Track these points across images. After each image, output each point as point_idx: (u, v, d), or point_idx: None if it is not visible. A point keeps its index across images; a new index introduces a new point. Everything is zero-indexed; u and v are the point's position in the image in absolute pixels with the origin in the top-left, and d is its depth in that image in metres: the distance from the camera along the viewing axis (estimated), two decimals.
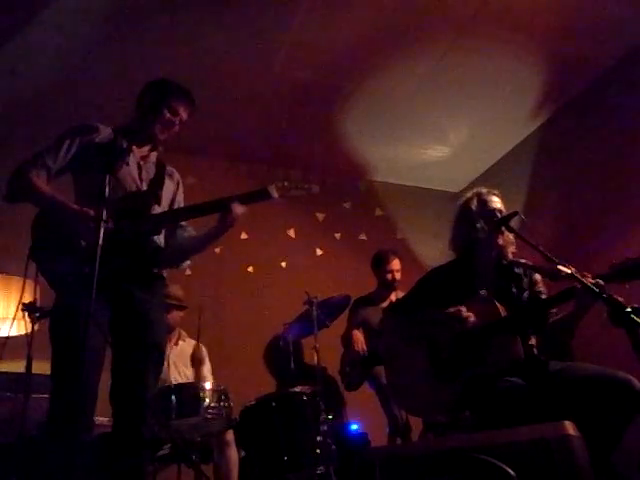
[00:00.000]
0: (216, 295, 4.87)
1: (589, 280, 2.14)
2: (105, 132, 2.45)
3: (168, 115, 2.46)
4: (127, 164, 2.42)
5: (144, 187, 2.45)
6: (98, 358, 2.22)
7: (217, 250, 5.00)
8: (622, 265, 2.16)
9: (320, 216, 5.58)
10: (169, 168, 2.61)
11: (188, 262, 2.65)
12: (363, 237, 5.62)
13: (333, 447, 3.13)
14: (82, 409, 2.13)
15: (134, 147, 2.48)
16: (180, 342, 3.93)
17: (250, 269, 5.19)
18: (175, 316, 3.89)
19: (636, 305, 1.99)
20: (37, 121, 4.41)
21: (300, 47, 4.15)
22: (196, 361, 3.90)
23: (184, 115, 2.51)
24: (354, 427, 3.78)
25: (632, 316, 1.93)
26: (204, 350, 3.99)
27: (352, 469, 3.09)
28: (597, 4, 3.93)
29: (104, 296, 2.15)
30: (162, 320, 2.44)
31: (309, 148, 5.33)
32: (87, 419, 2.19)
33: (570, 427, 1.75)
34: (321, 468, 3.05)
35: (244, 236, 5.18)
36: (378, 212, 5.86)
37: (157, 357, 2.36)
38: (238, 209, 2.38)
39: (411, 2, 3.86)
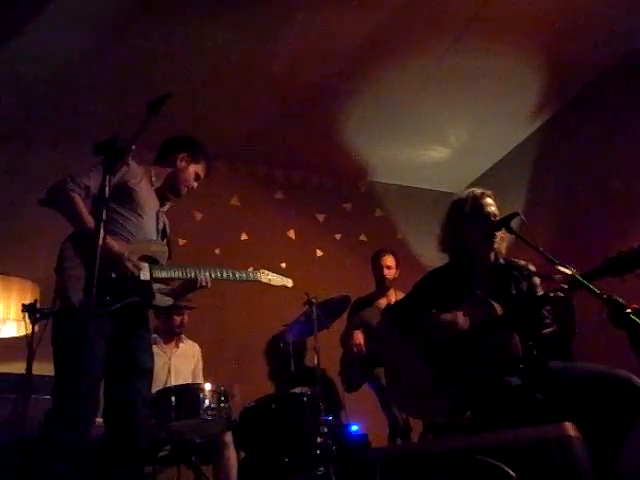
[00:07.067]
0: (216, 295, 4.86)
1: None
2: (136, 172, 2.62)
3: (195, 183, 2.86)
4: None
5: (157, 236, 2.72)
6: (99, 368, 2.36)
7: (217, 251, 5.00)
8: (615, 258, 2.12)
9: (320, 217, 5.57)
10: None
11: None
12: (363, 238, 5.61)
13: (333, 448, 3.12)
14: (83, 413, 2.25)
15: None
16: (180, 344, 3.94)
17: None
18: (185, 317, 3.95)
19: (636, 305, 1.99)
20: (37, 122, 4.43)
21: (300, 47, 4.15)
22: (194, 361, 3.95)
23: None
24: (354, 428, 3.77)
25: (632, 316, 1.92)
26: (199, 350, 4.03)
27: (352, 470, 3.09)
28: (597, 5, 3.93)
29: (111, 321, 2.40)
30: (150, 350, 2.63)
31: (309, 149, 5.33)
32: (87, 423, 2.28)
33: (570, 428, 1.75)
34: (321, 469, 3.04)
35: (244, 237, 5.18)
36: (378, 213, 5.85)
37: (148, 380, 2.55)
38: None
39: (411, 3, 3.86)
